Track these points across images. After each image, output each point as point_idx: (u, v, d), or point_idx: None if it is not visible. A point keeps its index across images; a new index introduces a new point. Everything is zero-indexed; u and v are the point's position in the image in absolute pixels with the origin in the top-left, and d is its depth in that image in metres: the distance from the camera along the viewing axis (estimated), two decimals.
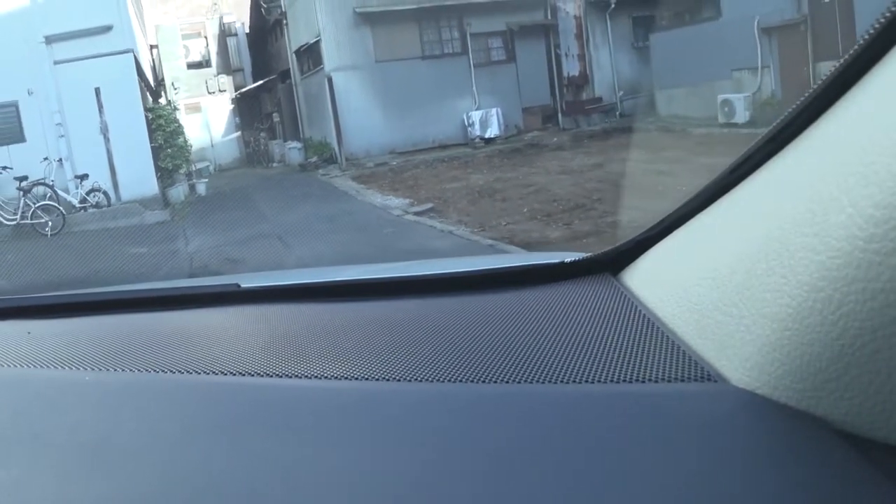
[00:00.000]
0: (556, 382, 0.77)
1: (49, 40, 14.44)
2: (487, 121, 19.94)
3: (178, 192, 15.76)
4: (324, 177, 17.57)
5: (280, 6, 23.06)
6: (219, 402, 0.87)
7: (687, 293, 0.81)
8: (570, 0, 21.80)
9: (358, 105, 19.50)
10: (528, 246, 8.07)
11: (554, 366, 0.80)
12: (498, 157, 16.69)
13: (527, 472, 0.62)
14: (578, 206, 9.86)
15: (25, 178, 13.39)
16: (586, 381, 0.76)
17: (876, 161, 0.53)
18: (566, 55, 21.76)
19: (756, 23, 16.30)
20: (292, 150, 21.67)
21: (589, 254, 1.15)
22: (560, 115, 21.13)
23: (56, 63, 14.61)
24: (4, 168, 13.82)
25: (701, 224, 0.86)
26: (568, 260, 1.17)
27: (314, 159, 19.80)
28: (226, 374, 0.92)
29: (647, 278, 1.00)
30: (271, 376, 0.89)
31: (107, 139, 14.96)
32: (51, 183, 13.76)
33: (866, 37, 0.59)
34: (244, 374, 0.91)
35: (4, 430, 0.87)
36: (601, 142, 16.98)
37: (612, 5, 21.73)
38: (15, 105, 14.51)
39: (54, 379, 1.03)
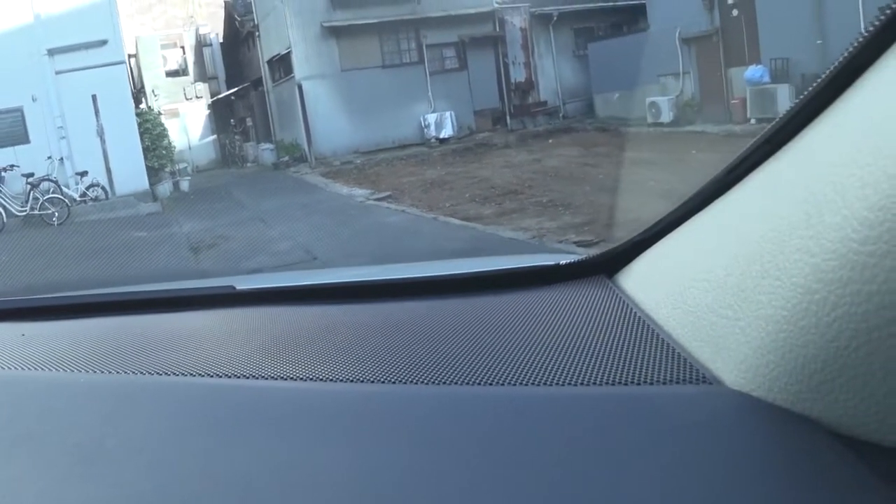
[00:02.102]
0: (550, 385, 0.75)
1: (51, 53, 16.01)
2: (442, 123, 21.25)
3: (165, 188, 17.32)
4: (295, 174, 18.95)
5: (253, 19, 24.09)
6: (213, 405, 0.85)
7: (682, 295, 0.79)
8: (517, 14, 22.95)
9: (326, 110, 20.74)
10: (465, 218, 9.77)
11: (549, 368, 0.79)
12: (451, 154, 18.05)
13: (522, 474, 0.61)
14: (511, 192, 11.55)
15: (32, 174, 14.80)
16: (581, 384, 0.75)
17: (871, 163, 0.52)
18: (513, 63, 23.01)
19: (677, 34, 17.80)
20: (265, 151, 22.73)
21: (584, 256, 1.13)
22: (508, 117, 22.50)
23: (57, 73, 16.15)
24: (12, 166, 15.22)
25: (696, 226, 0.85)
26: (563, 262, 1.14)
27: (286, 159, 21.03)
28: (220, 377, 0.91)
29: (642, 280, 0.98)
30: (266, 378, 0.88)
31: (103, 140, 16.52)
32: (55, 179, 15.17)
33: (861, 39, 0.57)
34: (239, 377, 0.90)
35: None
36: (543, 140, 18.39)
37: (555, 18, 23.11)
38: (20, 110, 15.98)
39: (48, 381, 1.01)
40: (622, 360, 0.78)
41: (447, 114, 21.47)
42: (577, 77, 23.23)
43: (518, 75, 23.15)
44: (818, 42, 14.12)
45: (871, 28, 0.57)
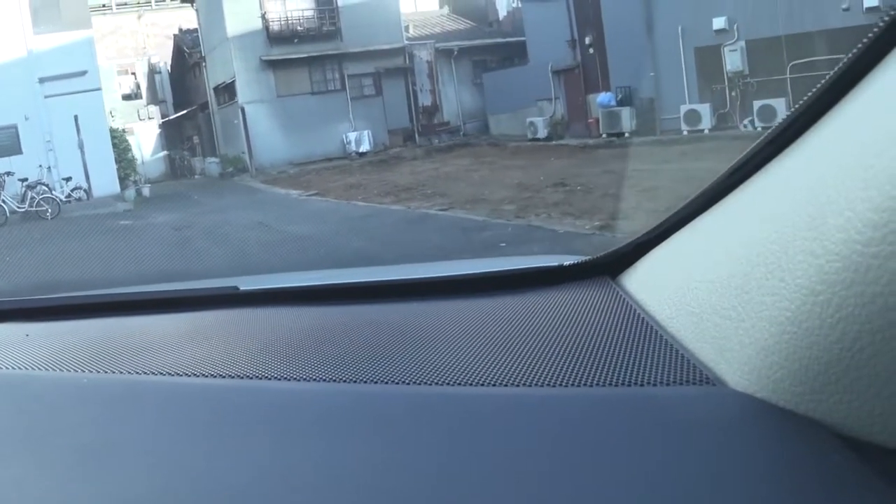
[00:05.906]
0: (554, 386, 0.74)
1: (41, 80, 19.43)
2: (361, 140, 24.18)
3: (131, 192, 20.33)
4: (239, 182, 22.05)
5: (200, 52, 27.10)
6: (216, 405, 0.84)
7: (685, 296, 0.78)
8: (424, 49, 26.32)
9: (264, 129, 23.75)
10: (369, 203, 13.49)
11: (552, 369, 0.77)
12: (368, 165, 21.20)
13: (525, 475, 0.60)
14: (408, 188, 14.96)
15: (26, 179, 17.87)
16: (585, 385, 0.73)
17: (874, 164, 0.51)
18: (421, 90, 26.15)
19: (549, 67, 21.56)
20: (211, 164, 25.46)
21: (588, 257, 1.12)
22: (417, 135, 25.68)
23: (46, 97, 19.52)
24: (9, 173, 18.25)
25: (699, 227, 0.83)
26: (566, 263, 1.12)
27: (230, 170, 23.92)
28: (224, 377, 0.89)
29: (645, 282, 0.96)
30: (269, 379, 0.87)
31: (83, 152, 19.86)
32: (46, 182, 18.36)
33: (865, 41, 0.56)
34: (242, 377, 0.88)
35: (3, 431, 0.84)
36: (445, 154, 21.63)
37: (456, 52, 26.71)
38: (15, 127, 19.26)
39: (52, 381, 1.00)
40: (625, 361, 0.76)
41: (365, 132, 24.37)
42: (475, 101, 26.68)
43: (425, 100, 26.25)
44: (651, 74, 18.02)
45: (873, 31, 0.56)
